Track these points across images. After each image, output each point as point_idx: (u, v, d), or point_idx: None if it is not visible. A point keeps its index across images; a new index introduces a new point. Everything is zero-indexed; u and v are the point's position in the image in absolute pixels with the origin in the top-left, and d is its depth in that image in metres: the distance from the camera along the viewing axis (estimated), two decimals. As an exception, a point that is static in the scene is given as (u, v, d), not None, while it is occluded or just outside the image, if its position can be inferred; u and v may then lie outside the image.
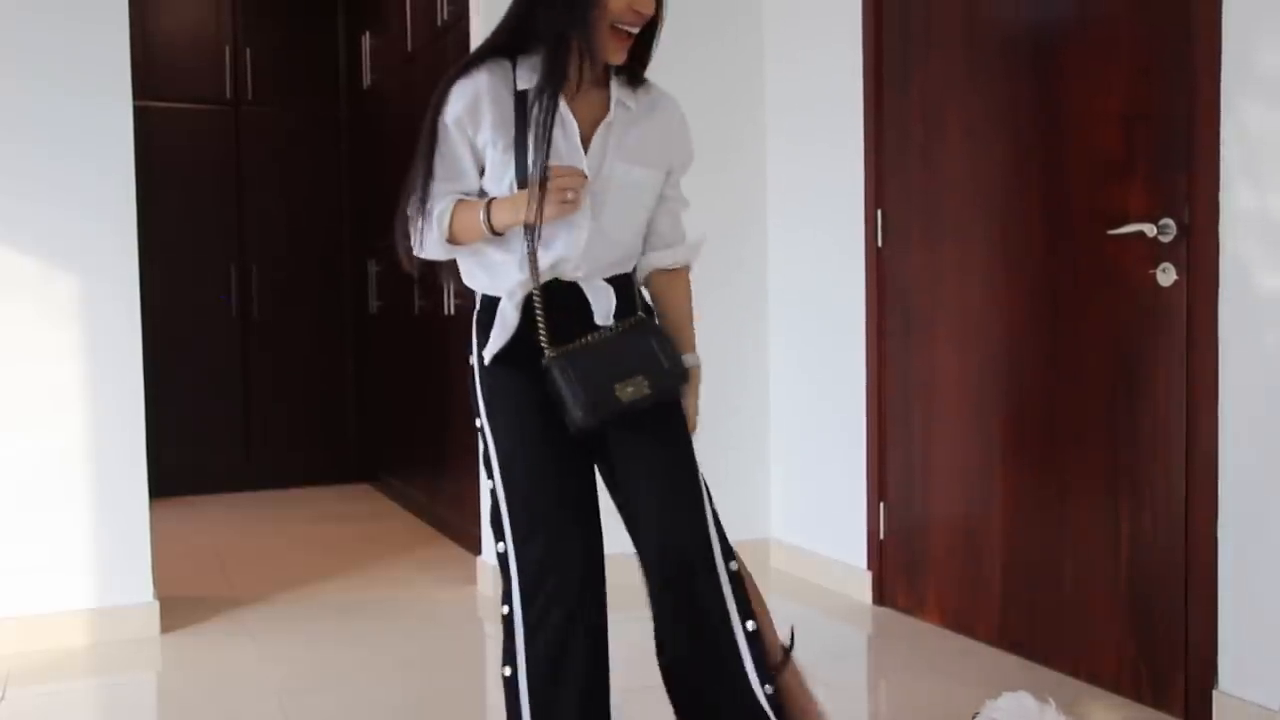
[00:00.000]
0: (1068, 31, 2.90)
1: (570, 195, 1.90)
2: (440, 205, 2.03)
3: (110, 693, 3.12)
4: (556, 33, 1.94)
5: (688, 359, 2.12)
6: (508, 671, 2.00)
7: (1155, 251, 2.64)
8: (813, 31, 3.92)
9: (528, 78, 1.98)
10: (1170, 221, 2.60)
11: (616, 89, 2.04)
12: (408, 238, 2.06)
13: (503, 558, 2.02)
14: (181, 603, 3.74)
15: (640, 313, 2.08)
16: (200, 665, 3.21)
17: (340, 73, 6.16)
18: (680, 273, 2.19)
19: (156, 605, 3.47)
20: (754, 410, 4.19)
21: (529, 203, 1.90)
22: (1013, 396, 3.11)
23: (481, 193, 2.04)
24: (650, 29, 2.02)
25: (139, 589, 3.45)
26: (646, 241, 2.15)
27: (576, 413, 1.92)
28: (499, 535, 2.03)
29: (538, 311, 1.96)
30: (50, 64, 3.32)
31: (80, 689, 3.10)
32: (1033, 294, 3.02)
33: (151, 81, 5.56)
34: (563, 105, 1.97)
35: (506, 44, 2.02)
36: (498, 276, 2.03)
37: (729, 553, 2.04)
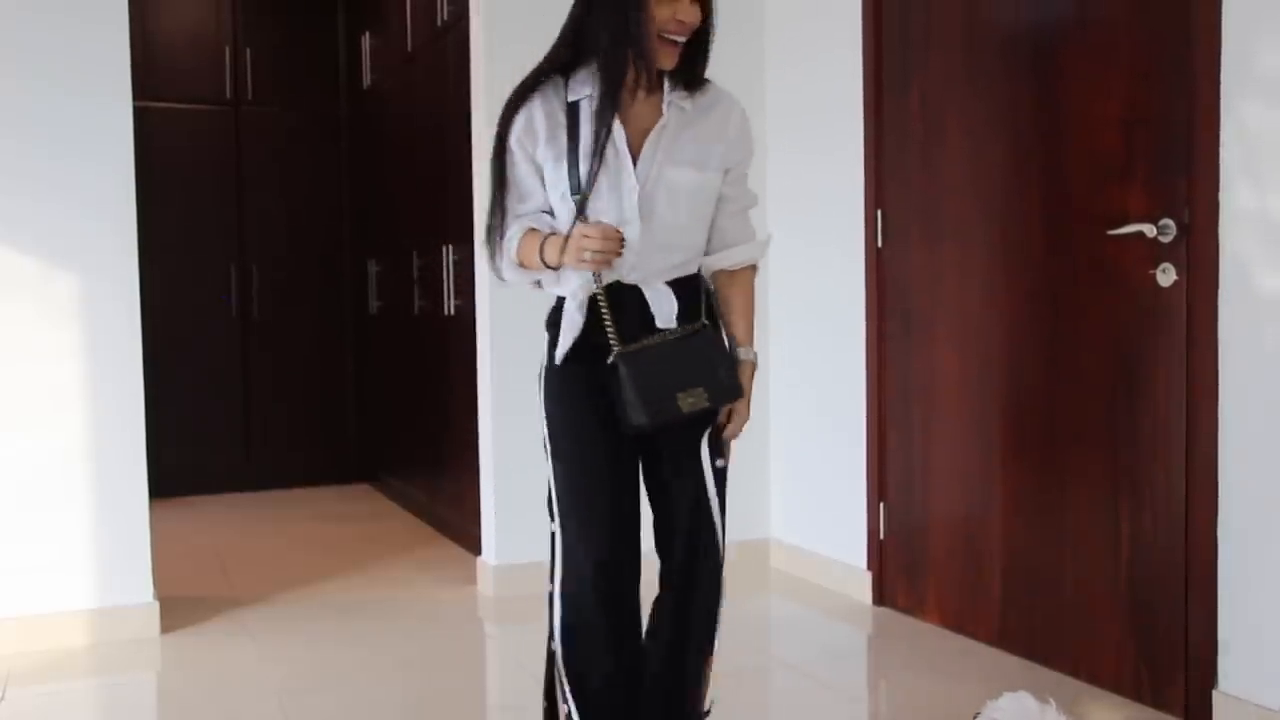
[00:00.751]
0: (1067, 34, 2.90)
1: (588, 255, 1.95)
2: (510, 232, 2.11)
3: (110, 693, 3.12)
4: (609, 44, 2.01)
5: (742, 353, 2.17)
6: (553, 645, 2.14)
7: (1155, 252, 2.64)
8: (813, 34, 3.92)
9: (578, 90, 2.06)
10: (1170, 222, 2.60)
11: (671, 93, 2.07)
12: (494, 258, 2.17)
13: (552, 536, 2.15)
14: (181, 603, 3.74)
15: (704, 320, 2.10)
16: (200, 665, 3.21)
17: (340, 73, 6.16)
18: (742, 272, 2.18)
19: (156, 605, 3.47)
20: (754, 410, 4.18)
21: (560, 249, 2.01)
22: (1013, 397, 3.11)
23: (552, 211, 2.12)
24: (704, 36, 2.06)
25: (139, 589, 3.45)
26: (711, 242, 2.16)
27: (639, 416, 1.99)
28: (550, 515, 2.16)
29: (603, 311, 2.02)
30: (50, 64, 3.32)
31: (80, 689, 3.10)
32: (1033, 294, 3.02)
33: (151, 82, 5.56)
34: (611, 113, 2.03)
35: (562, 58, 2.09)
36: (563, 278, 2.08)
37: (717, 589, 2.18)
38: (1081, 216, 2.85)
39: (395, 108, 5.37)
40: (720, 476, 2.17)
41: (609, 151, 2.02)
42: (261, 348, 6.00)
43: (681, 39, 2.02)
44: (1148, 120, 2.66)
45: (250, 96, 5.94)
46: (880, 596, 3.66)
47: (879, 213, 3.60)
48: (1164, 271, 2.62)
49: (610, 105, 2.00)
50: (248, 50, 5.92)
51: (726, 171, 2.13)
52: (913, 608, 3.53)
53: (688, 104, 2.08)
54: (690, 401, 2.01)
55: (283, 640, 3.42)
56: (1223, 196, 2.49)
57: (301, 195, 6.07)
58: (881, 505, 3.64)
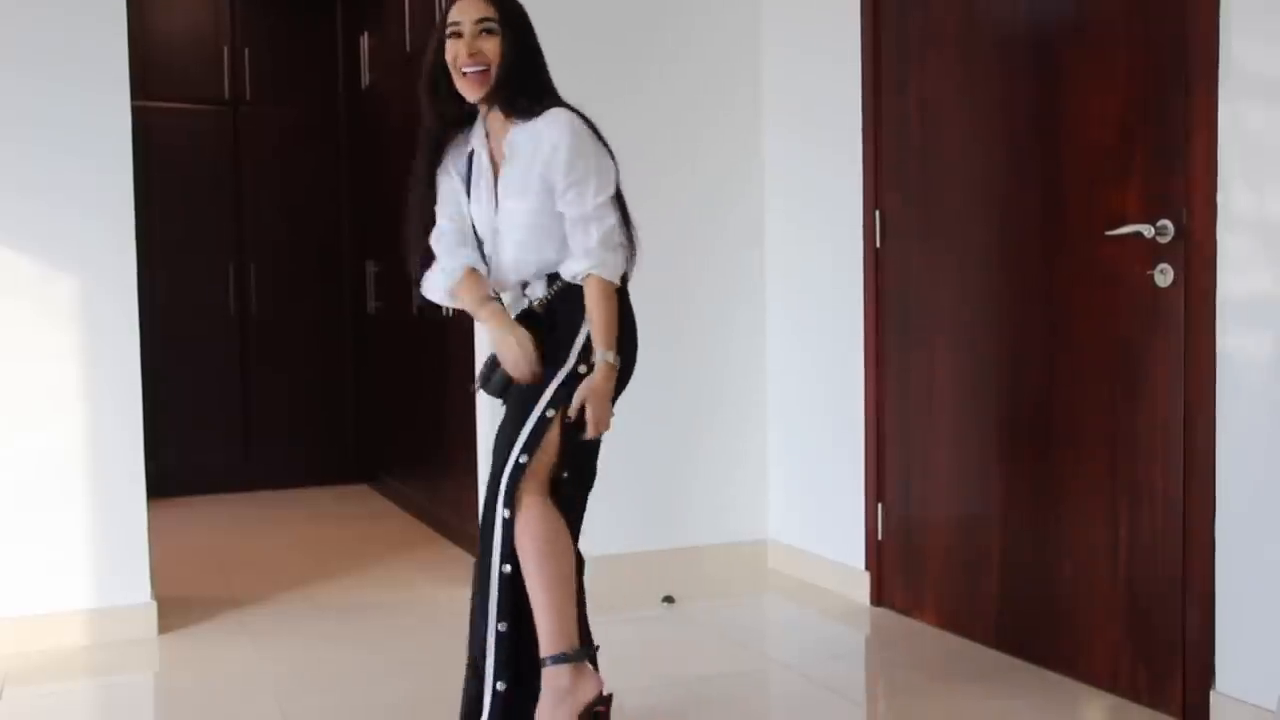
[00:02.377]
0: (1066, 32, 2.90)
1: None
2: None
3: (108, 693, 3.12)
4: (425, 86, 2.41)
5: (596, 355, 2.26)
6: None
7: (1153, 252, 2.65)
8: (811, 32, 3.92)
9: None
10: (1168, 222, 2.60)
11: (512, 127, 2.30)
12: None
13: None
14: (180, 603, 3.74)
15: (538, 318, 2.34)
16: (199, 665, 3.21)
17: (339, 72, 6.16)
18: (589, 281, 2.28)
19: (155, 605, 3.47)
20: (752, 411, 4.19)
21: None
22: (1011, 397, 3.11)
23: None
24: (507, 68, 2.26)
25: (137, 589, 3.45)
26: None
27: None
28: None
29: None
30: (49, 63, 3.32)
31: (78, 689, 3.10)
32: (1031, 294, 3.03)
33: (150, 81, 5.55)
34: (485, 155, 2.36)
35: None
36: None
37: (508, 499, 2.25)
38: (1079, 217, 2.85)
39: (394, 107, 5.36)
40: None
41: (480, 182, 2.36)
42: (260, 348, 6.00)
43: (472, 70, 2.27)
44: (1145, 121, 2.67)
45: (249, 96, 5.94)
46: (878, 597, 3.66)
47: (877, 213, 3.60)
48: (1162, 272, 2.62)
49: (441, 141, 2.43)
50: (246, 50, 5.92)
51: (553, 189, 2.26)
52: (910, 608, 3.53)
53: (522, 135, 2.28)
54: (481, 371, 2.36)
55: (281, 640, 3.42)
56: (1220, 197, 2.50)
57: (300, 195, 6.07)
58: (879, 505, 3.65)
